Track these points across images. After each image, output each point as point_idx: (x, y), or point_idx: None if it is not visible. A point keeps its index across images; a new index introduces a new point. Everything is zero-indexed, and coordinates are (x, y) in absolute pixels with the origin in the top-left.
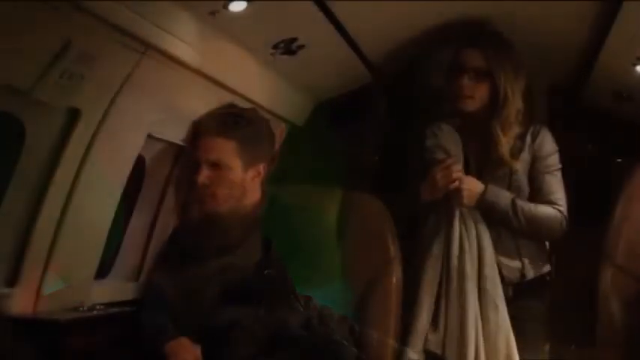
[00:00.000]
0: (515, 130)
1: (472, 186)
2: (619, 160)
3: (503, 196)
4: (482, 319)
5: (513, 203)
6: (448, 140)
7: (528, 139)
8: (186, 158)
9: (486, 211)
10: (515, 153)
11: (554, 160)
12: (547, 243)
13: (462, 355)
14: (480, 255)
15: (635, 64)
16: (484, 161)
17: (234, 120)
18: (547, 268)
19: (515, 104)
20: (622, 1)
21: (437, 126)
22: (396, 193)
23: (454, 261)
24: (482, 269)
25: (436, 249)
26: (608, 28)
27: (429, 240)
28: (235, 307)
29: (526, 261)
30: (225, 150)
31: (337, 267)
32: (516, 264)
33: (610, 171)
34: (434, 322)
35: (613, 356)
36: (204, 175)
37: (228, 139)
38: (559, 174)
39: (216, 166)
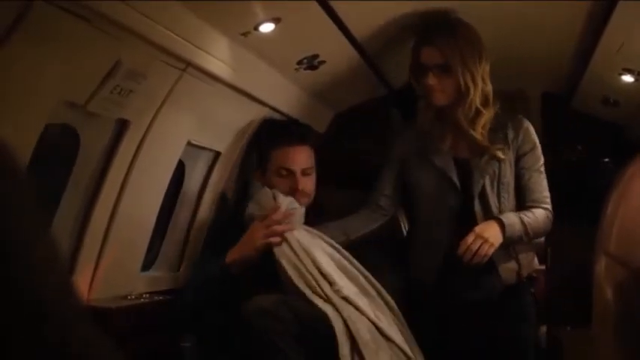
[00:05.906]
0: (488, 113)
1: (492, 233)
2: (606, 159)
3: (516, 223)
4: None
5: (523, 224)
6: None
7: (510, 133)
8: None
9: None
10: (496, 142)
11: (538, 154)
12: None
13: None
14: None
15: (621, 74)
16: (472, 158)
17: (307, 129)
18: (538, 264)
19: (479, 89)
20: (609, 15)
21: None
22: None
23: None
24: None
25: None
26: (596, 40)
27: None
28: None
29: (522, 261)
30: (310, 157)
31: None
32: (513, 265)
33: (597, 170)
34: None
35: (605, 337)
36: (302, 182)
37: (310, 147)
38: (543, 168)
39: (307, 173)
